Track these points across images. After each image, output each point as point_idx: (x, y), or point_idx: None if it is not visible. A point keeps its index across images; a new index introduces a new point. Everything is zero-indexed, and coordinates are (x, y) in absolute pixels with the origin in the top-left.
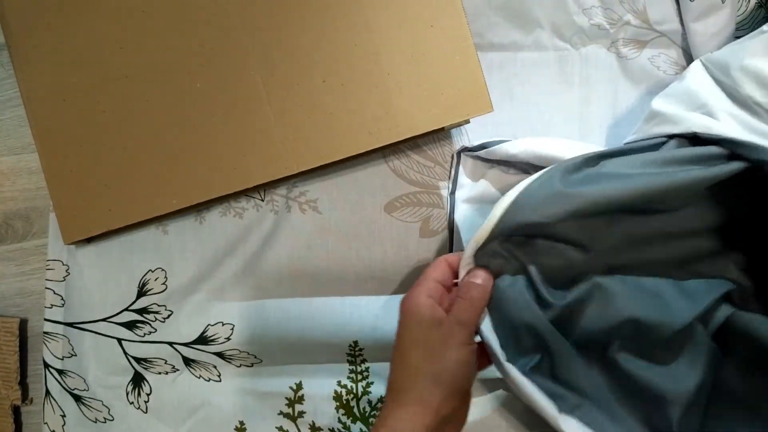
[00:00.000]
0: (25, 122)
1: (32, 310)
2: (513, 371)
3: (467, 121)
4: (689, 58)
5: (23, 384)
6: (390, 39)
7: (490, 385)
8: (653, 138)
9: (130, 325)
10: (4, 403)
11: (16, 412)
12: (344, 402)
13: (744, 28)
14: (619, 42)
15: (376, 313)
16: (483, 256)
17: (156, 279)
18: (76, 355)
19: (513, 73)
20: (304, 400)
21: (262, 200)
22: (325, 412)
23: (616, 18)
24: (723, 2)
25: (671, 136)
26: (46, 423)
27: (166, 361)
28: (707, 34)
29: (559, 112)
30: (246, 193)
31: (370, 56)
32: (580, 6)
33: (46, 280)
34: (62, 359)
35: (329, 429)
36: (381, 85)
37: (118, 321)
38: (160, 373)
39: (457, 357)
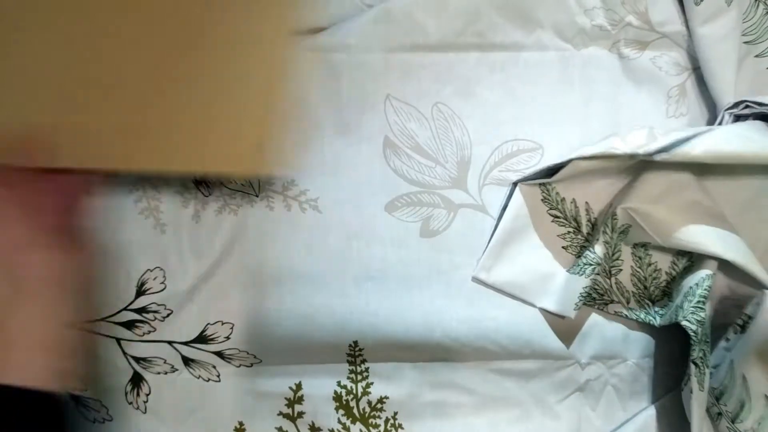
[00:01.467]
0: None
1: None
2: None
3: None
4: (692, 60)
5: None
6: (208, 77)
7: None
8: None
9: (129, 325)
10: None
11: None
12: (344, 402)
13: (751, 34)
14: (620, 43)
15: (376, 313)
16: None
17: (155, 278)
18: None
19: (515, 74)
20: (303, 400)
21: (257, 196)
22: (325, 413)
23: (618, 19)
24: (729, 5)
25: None
26: None
27: (165, 360)
28: (714, 38)
29: (560, 112)
30: (241, 189)
31: (190, 84)
32: (582, 7)
33: None
34: None
35: (329, 429)
36: (188, 114)
37: (117, 321)
38: (159, 373)
39: None
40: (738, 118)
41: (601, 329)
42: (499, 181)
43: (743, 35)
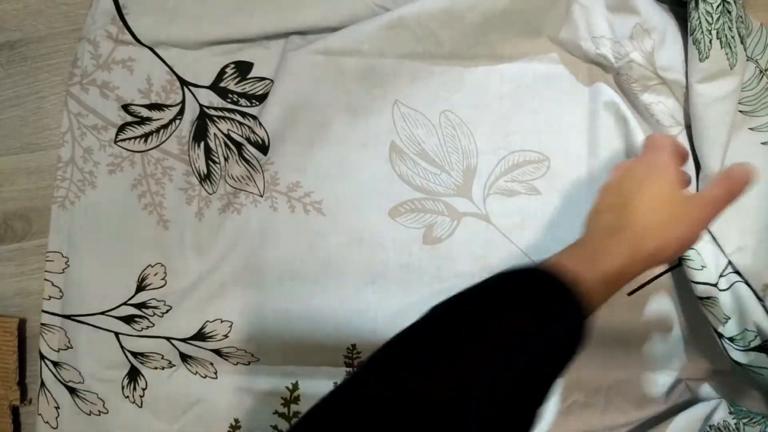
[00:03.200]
0: (24, 122)
1: (31, 311)
2: None
3: None
4: (686, 116)
5: (22, 384)
6: None
7: None
8: None
9: (128, 320)
10: (2, 404)
11: (15, 412)
12: None
13: (749, 104)
14: (622, 78)
15: (375, 318)
16: None
17: (155, 274)
18: (72, 348)
19: (524, 85)
20: (299, 400)
21: (261, 196)
22: None
23: (623, 53)
24: (732, 69)
25: None
26: (40, 414)
27: (163, 356)
28: (710, 98)
29: (567, 124)
30: (245, 189)
31: None
32: (590, 33)
33: (45, 271)
34: (58, 351)
35: None
36: None
37: (116, 315)
38: (156, 368)
39: (688, 236)
40: None
41: (603, 337)
42: (504, 191)
43: (740, 103)
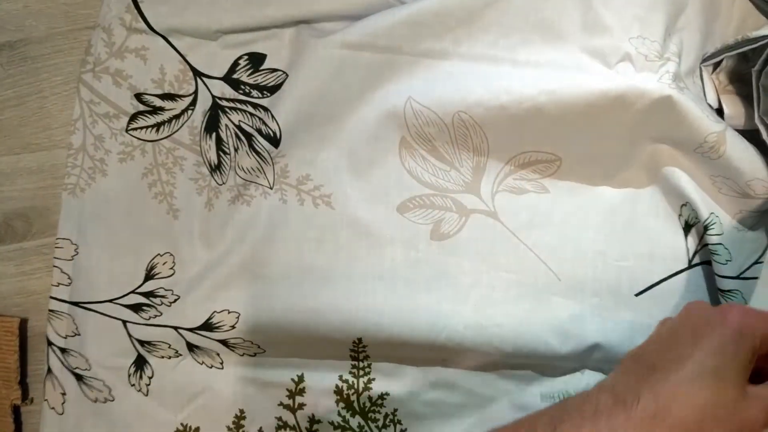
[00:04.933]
0: (24, 122)
1: (32, 310)
2: None
3: None
4: None
5: (23, 384)
6: None
7: None
8: None
9: (136, 308)
10: (4, 403)
11: (16, 412)
12: (345, 396)
13: None
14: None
15: (382, 312)
16: None
17: (164, 263)
18: (79, 335)
19: (547, 91)
20: (305, 392)
21: (271, 188)
22: (326, 405)
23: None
24: None
25: None
26: (46, 400)
27: (170, 345)
28: None
29: (589, 132)
30: (255, 180)
31: None
32: (627, 34)
33: (54, 258)
34: (65, 338)
35: (329, 422)
36: None
37: (124, 303)
38: (162, 357)
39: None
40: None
41: (608, 337)
42: (513, 189)
43: None
